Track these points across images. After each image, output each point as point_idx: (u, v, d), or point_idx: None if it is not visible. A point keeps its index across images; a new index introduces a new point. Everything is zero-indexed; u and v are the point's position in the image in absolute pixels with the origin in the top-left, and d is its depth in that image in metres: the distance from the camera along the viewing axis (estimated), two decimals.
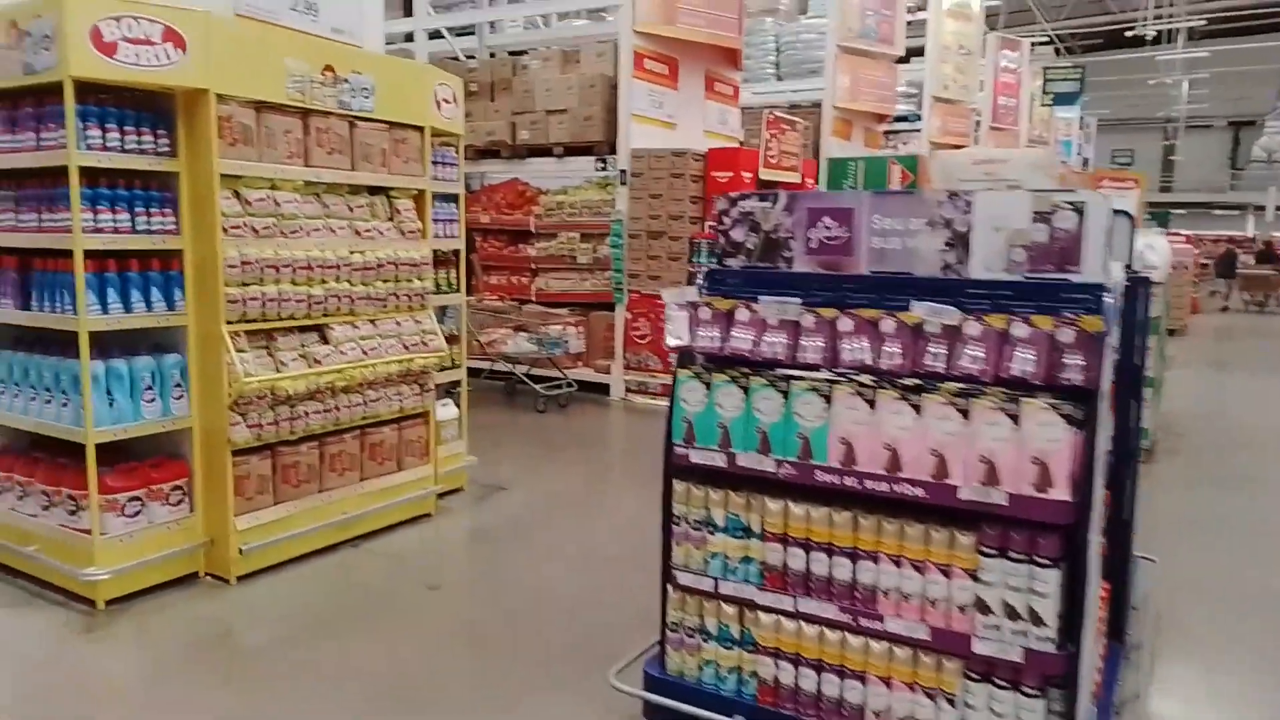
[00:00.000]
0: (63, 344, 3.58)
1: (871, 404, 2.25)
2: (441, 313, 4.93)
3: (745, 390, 2.40)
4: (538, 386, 7.58)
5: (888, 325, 2.26)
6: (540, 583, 3.96)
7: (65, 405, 3.58)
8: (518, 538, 4.54)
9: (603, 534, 4.62)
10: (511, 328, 8.03)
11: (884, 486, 2.24)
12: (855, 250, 2.47)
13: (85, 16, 3.26)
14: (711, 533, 2.49)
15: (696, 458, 2.49)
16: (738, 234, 2.64)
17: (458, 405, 5.22)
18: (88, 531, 3.53)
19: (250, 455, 3.89)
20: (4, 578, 3.82)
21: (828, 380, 2.33)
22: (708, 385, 2.46)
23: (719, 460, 2.45)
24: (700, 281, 2.67)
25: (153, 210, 3.66)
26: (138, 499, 3.66)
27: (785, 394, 2.35)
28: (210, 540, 3.86)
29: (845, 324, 2.30)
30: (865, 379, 2.31)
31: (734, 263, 2.65)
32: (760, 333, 2.42)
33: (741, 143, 9.14)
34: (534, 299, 8.83)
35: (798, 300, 2.37)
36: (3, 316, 3.74)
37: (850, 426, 2.27)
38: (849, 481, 2.28)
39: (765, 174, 8.14)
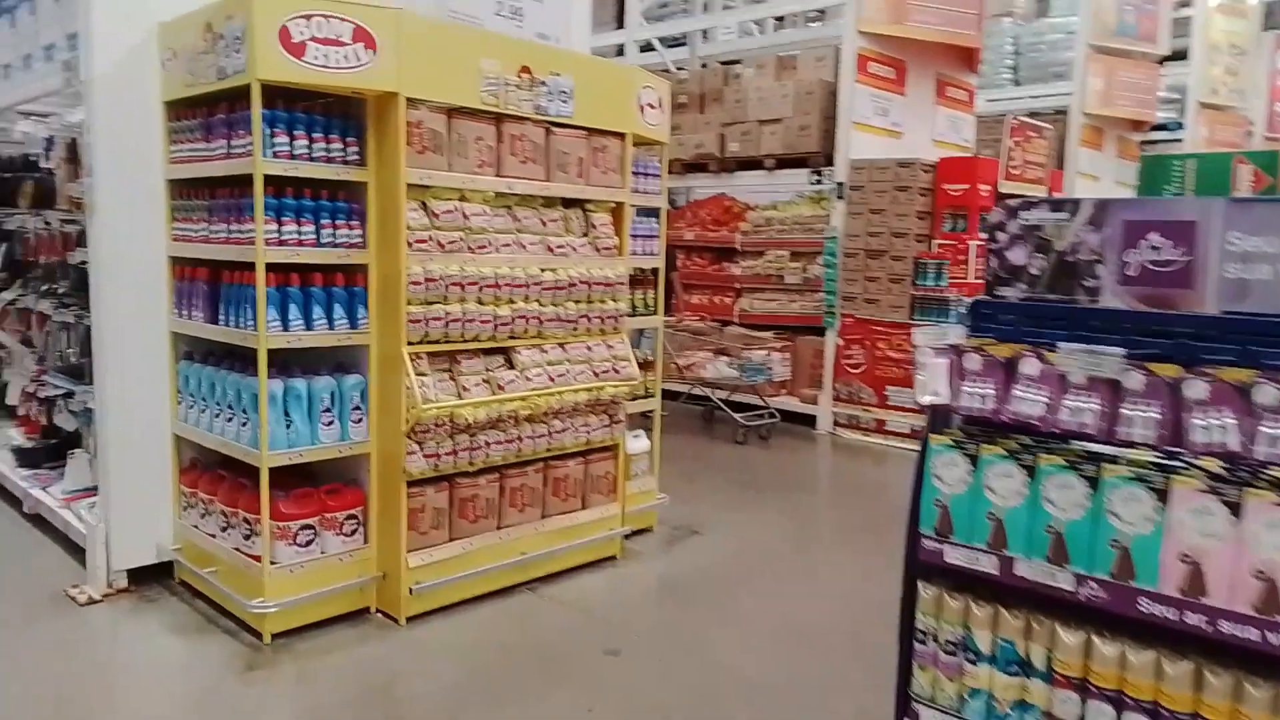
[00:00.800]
0: (246, 361, 3.43)
1: (1235, 509, 1.53)
2: (637, 336, 4.49)
3: (1031, 471, 1.74)
4: (737, 416, 7.03)
5: (1267, 395, 1.53)
6: (734, 660, 3.39)
7: (245, 425, 3.42)
8: (710, 597, 3.99)
9: (810, 603, 3.98)
10: (712, 351, 7.54)
11: (1252, 633, 1.51)
12: (1198, 280, 1.74)
13: (274, 16, 3.07)
14: (972, 661, 1.83)
15: (954, 557, 1.84)
16: (1017, 254, 1.97)
17: (650, 437, 4.76)
18: (259, 559, 3.34)
19: (426, 487, 3.59)
20: (188, 598, 3.73)
21: (1161, 466, 1.62)
22: (973, 460, 1.81)
23: (987, 565, 1.79)
24: (960, 318, 2.02)
25: (339, 222, 3.45)
26: (311, 528, 3.44)
27: (1093, 482, 1.66)
28: (383, 575, 3.59)
29: (1195, 389, 1.59)
30: (1221, 470, 1.58)
31: (1010, 292, 1.98)
32: (1058, 393, 1.75)
33: (974, 154, 8.19)
34: (736, 320, 8.29)
35: (1120, 351, 1.68)
36: (193, 329, 3.66)
37: (1199, 539, 1.56)
38: (1193, 619, 1.56)
39: (1006, 186, 7.19)
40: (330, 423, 3.47)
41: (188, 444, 3.81)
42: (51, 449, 4.96)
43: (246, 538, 3.46)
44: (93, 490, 4.07)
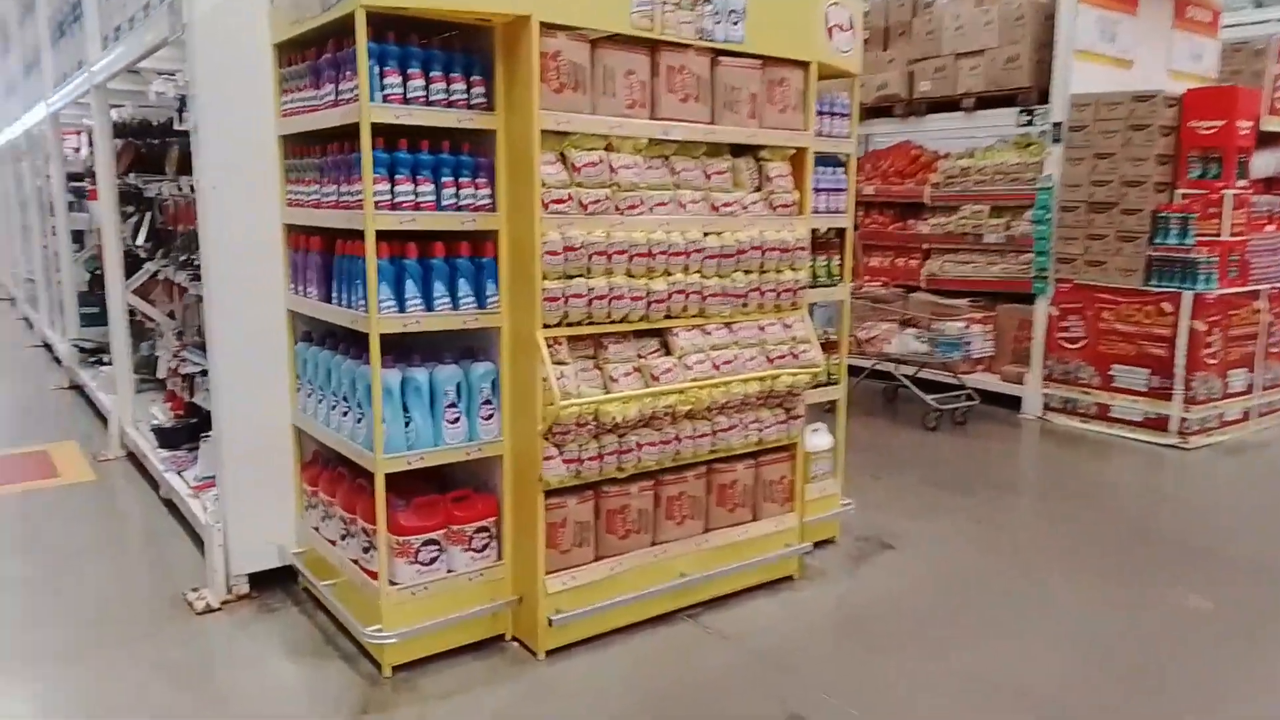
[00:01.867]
0: (362, 345, 2.93)
1: None
2: (810, 310, 3.72)
3: None
4: (928, 397, 6.11)
5: None
6: None
7: (360, 421, 2.93)
8: (908, 640, 3.21)
9: (1037, 655, 3.14)
10: (896, 321, 6.62)
11: None
12: None
13: None
14: None
15: None
16: None
17: (833, 431, 4.00)
18: (377, 576, 2.85)
19: (567, 496, 3.00)
20: (310, 609, 3.33)
21: None
22: None
23: None
24: None
25: (463, 180, 2.86)
26: (435, 543, 2.92)
27: None
28: (518, 599, 3.04)
29: None
30: None
31: None
32: None
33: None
34: (923, 285, 7.31)
35: None
36: (307, 308, 3.20)
37: None
38: None
39: (1269, 124, 5.86)
40: (456, 419, 2.92)
41: (308, 436, 3.37)
42: (190, 429, 4.73)
43: (365, 550, 2.98)
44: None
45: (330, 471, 3.28)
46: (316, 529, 3.33)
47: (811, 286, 3.67)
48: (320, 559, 3.27)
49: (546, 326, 2.84)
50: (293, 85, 3.13)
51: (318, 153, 3.05)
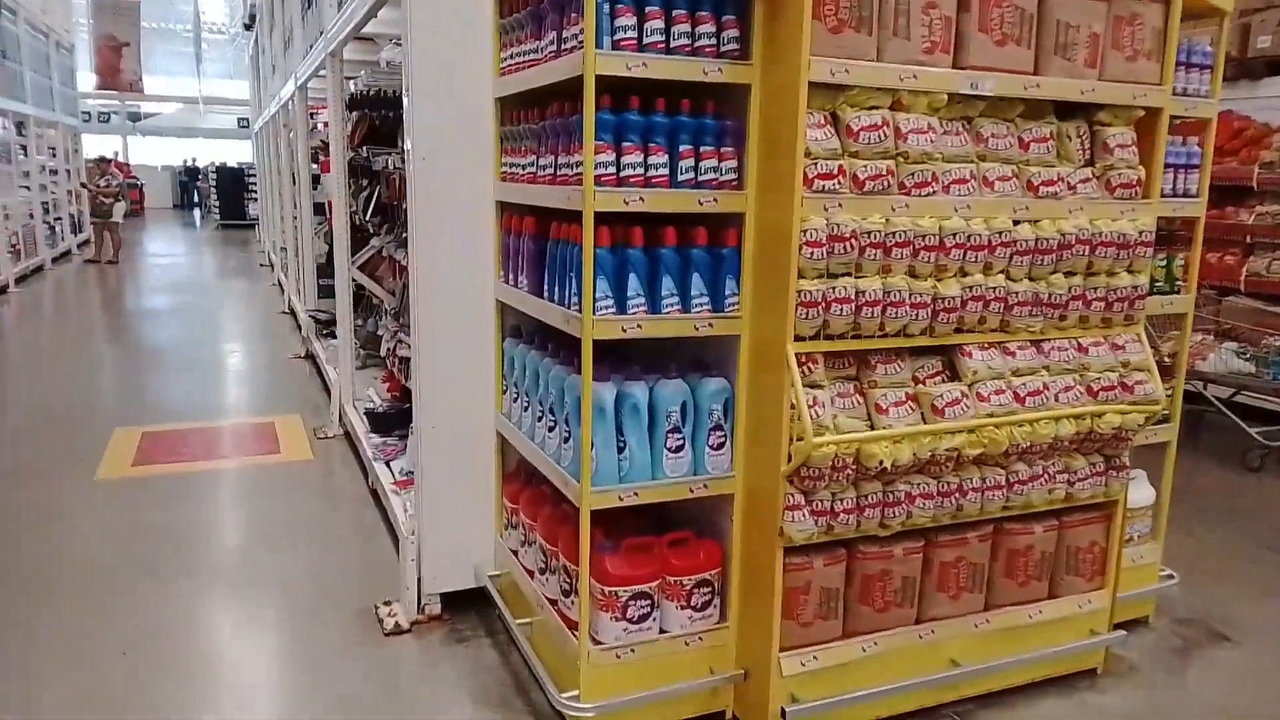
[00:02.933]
0: (573, 349, 2.43)
1: None
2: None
3: None
4: (1252, 429, 4.90)
5: None
6: None
7: (567, 441, 2.43)
8: None
9: None
10: (1210, 331, 5.39)
11: None
12: None
13: None
14: None
15: None
16: None
17: (1157, 481, 3.09)
18: (577, 628, 2.35)
19: (813, 556, 2.36)
20: (503, 643, 2.91)
21: None
22: None
23: None
24: None
25: (705, 149, 2.27)
26: (647, 596, 2.39)
27: None
28: (744, 673, 2.45)
29: None
30: None
31: None
32: None
33: None
34: (1242, 288, 5.95)
35: None
36: (515, 300, 2.74)
37: None
38: None
39: None
40: (679, 447, 2.36)
41: (512, 445, 2.94)
42: (403, 414, 4.50)
43: (565, 593, 2.50)
44: None
45: (533, 490, 2.83)
46: (515, 553, 2.90)
47: (1151, 292, 2.78)
48: (517, 588, 2.84)
49: (799, 339, 2.20)
50: (512, 37, 2.67)
51: (535, 116, 2.57)
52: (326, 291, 7.39)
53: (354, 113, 5.90)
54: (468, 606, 3.10)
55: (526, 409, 2.72)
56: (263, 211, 16.72)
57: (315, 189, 7.29)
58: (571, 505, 2.39)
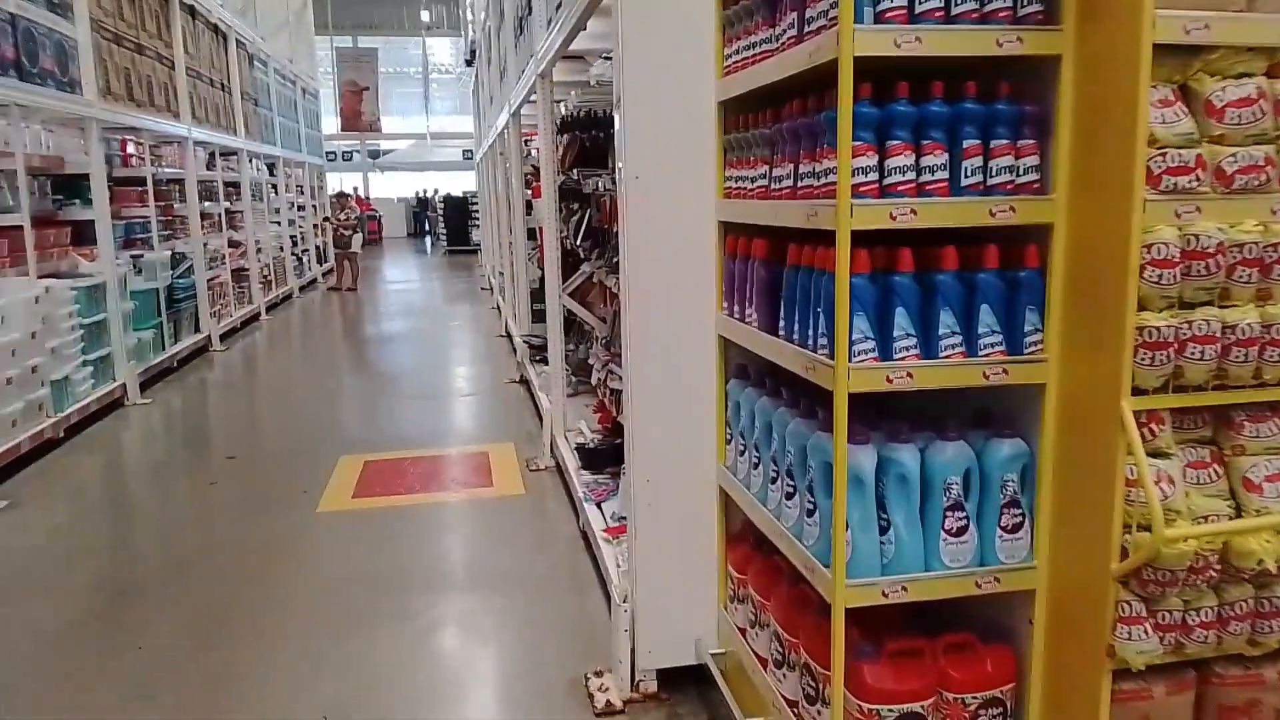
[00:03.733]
0: (817, 398, 1.98)
1: None
2: None
3: None
4: None
5: None
6: None
7: (811, 515, 1.97)
8: None
9: None
10: None
11: None
12: None
13: None
14: None
15: None
16: None
17: None
18: None
19: (1153, 681, 1.75)
20: None
21: None
22: None
23: None
24: None
25: (996, 144, 1.75)
26: (919, 718, 1.87)
27: None
28: None
29: None
30: None
31: None
32: None
33: None
34: None
35: None
36: (742, 336, 2.31)
37: None
38: None
39: None
40: (961, 528, 1.83)
41: (736, 503, 2.52)
42: (615, 451, 4.21)
43: (810, 699, 2.03)
44: None
45: (765, 559, 2.39)
46: (743, 632, 2.46)
47: None
48: (744, 674, 2.40)
49: (1139, 391, 1.62)
50: (739, 29, 2.26)
51: (768, 119, 2.15)
52: (539, 316, 7.34)
53: (564, 135, 5.75)
54: (687, 684, 2.70)
55: (756, 466, 2.29)
56: (484, 237, 17.44)
57: (528, 214, 7.26)
58: (818, 592, 1.93)
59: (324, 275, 16.13)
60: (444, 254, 22.36)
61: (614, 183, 4.11)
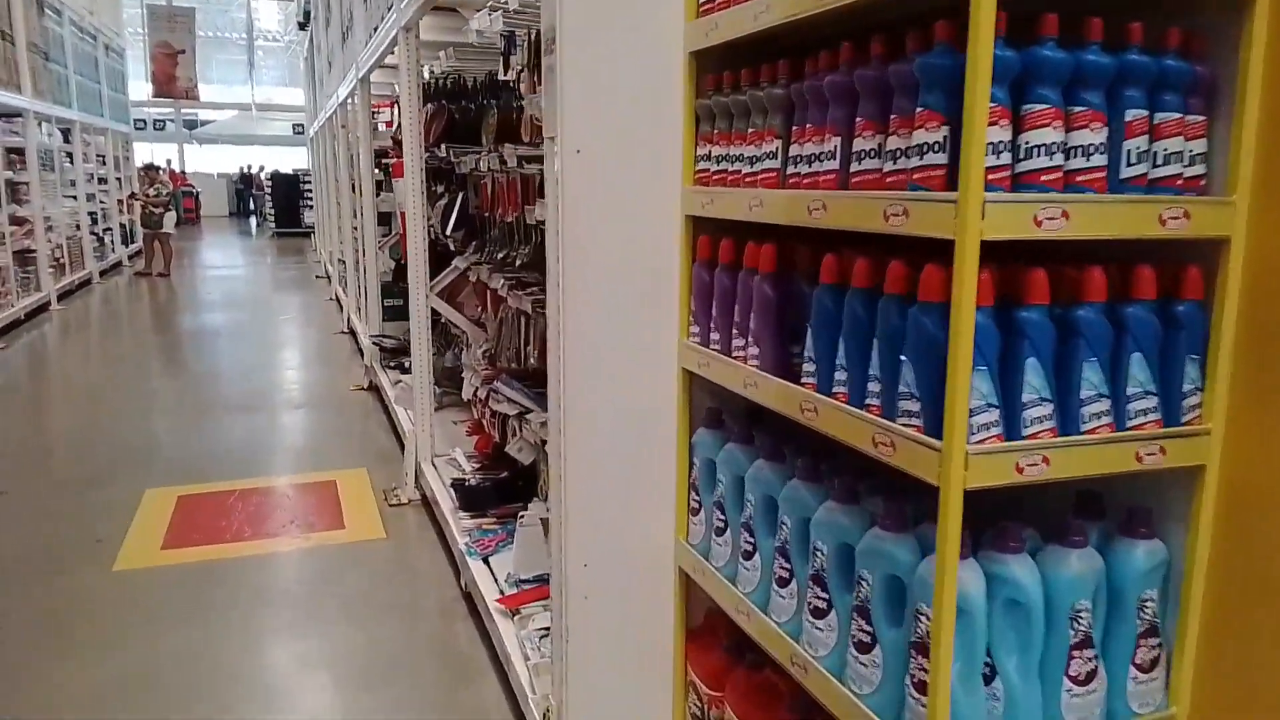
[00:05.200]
0: (857, 474, 1.37)
1: None
2: None
3: None
4: None
5: None
6: None
7: (866, 647, 1.36)
8: None
9: None
10: None
11: None
12: None
13: None
14: None
15: None
16: None
17: None
18: None
19: None
20: None
21: None
22: None
23: None
24: None
25: (1162, 120, 1.19)
26: None
27: None
28: None
29: None
30: None
31: None
32: None
33: None
34: None
35: None
36: (725, 375, 1.67)
37: None
38: None
39: None
40: (1089, 673, 1.28)
41: (702, 590, 1.88)
42: (499, 489, 3.52)
43: None
44: (547, 584, 2.45)
45: (749, 672, 1.77)
46: None
47: None
48: None
49: None
50: None
51: (779, 73, 1.52)
52: (392, 314, 6.47)
53: (428, 105, 4.94)
54: None
55: (749, 556, 1.66)
56: (318, 220, 16.03)
57: (378, 196, 6.35)
58: None
59: (130, 258, 14.31)
60: (272, 236, 20.57)
61: (504, 164, 3.39)
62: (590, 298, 1.82)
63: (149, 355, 8.12)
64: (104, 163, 13.61)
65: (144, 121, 23.08)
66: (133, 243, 14.63)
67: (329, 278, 11.78)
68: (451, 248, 4.31)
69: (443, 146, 4.34)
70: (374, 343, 6.18)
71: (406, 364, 5.59)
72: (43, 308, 9.56)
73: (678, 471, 1.92)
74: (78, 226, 11.61)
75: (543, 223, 2.83)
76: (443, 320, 4.71)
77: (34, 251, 9.54)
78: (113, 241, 13.62)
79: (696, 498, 1.88)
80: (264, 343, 8.63)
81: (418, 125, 3.92)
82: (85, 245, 11.80)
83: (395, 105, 7.32)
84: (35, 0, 10.21)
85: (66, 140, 11.66)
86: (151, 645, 2.91)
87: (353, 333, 8.08)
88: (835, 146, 1.36)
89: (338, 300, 10.03)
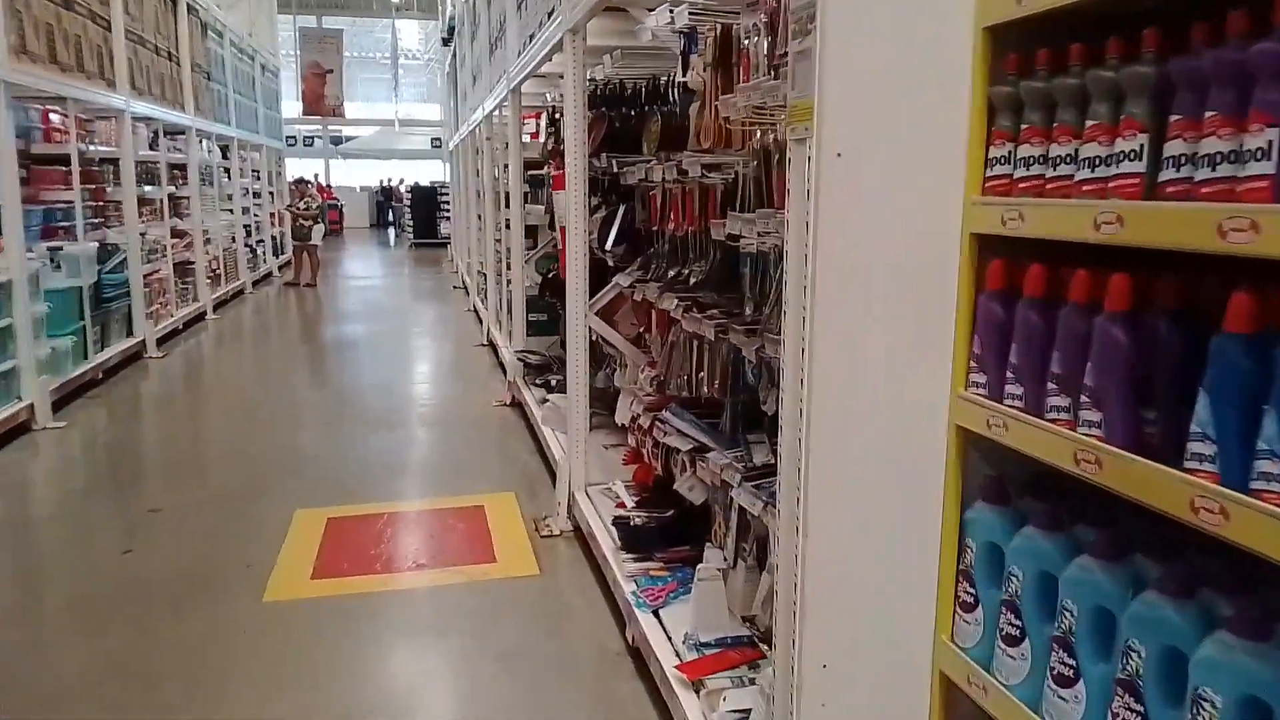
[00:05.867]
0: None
1: None
2: None
3: None
4: None
5: None
6: None
7: None
8: None
9: None
10: None
11: None
12: None
13: None
14: None
15: None
16: None
17: None
18: None
19: None
20: None
21: None
22: None
23: None
24: None
25: None
26: None
27: None
28: None
29: None
30: None
31: None
32: None
33: None
34: None
35: None
36: (1026, 441, 1.27)
37: None
38: None
39: None
40: None
41: (969, 700, 1.49)
42: (666, 530, 3.19)
43: None
44: (738, 646, 2.12)
45: None
46: None
47: None
48: None
49: None
50: None
51: (1151, 45, 1.12)
52: (537, 329, 6.30)
53: (589, 112, 4.70)
54: None
55: (1069, 682, 1.26)
56: (455, 231, 16.29)
57: (526, 208, 6.19)
58: None
59: (280, 269, 14.85)
60: (410, 247, 21.10)
61: (681, 174, 3.08)
62: (844, 335, 1.46)
63: (296, 366, 8.25)
64: (258, 178, 14.17)
65: (294, 138, 24.16)
66: (282, 254, 15.19)
67: (465, 288, 11.85)
68: (610, 263, 4.04)
69: (603, 156, 4.08)
70: (518, 358, 6.00)
71: (553, 381, 5.37)
72: (199, 317, 9.91)
73: (943, 555, 1.54)
74: (233, 239, 12.07)
75: (737, 237, 2.50)
76: (594, 338, 4.45)
77: (192, 263, 9.91)
78: (264, 253, 14.15)
79: (970, 590, 1.49)
80: (405, 354, 8.65)
81: (582, 134, 3.66)
82: (239, 256, 12.26)
83: (540, 117, 7.18)
84: (200, 23, 10.67)
85: (225, 156, 12.15)
86: (302, 694, 2.71)
87: (492, 345, 7.98)
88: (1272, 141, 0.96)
89: (476, 312, 10.02)
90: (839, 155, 1.40)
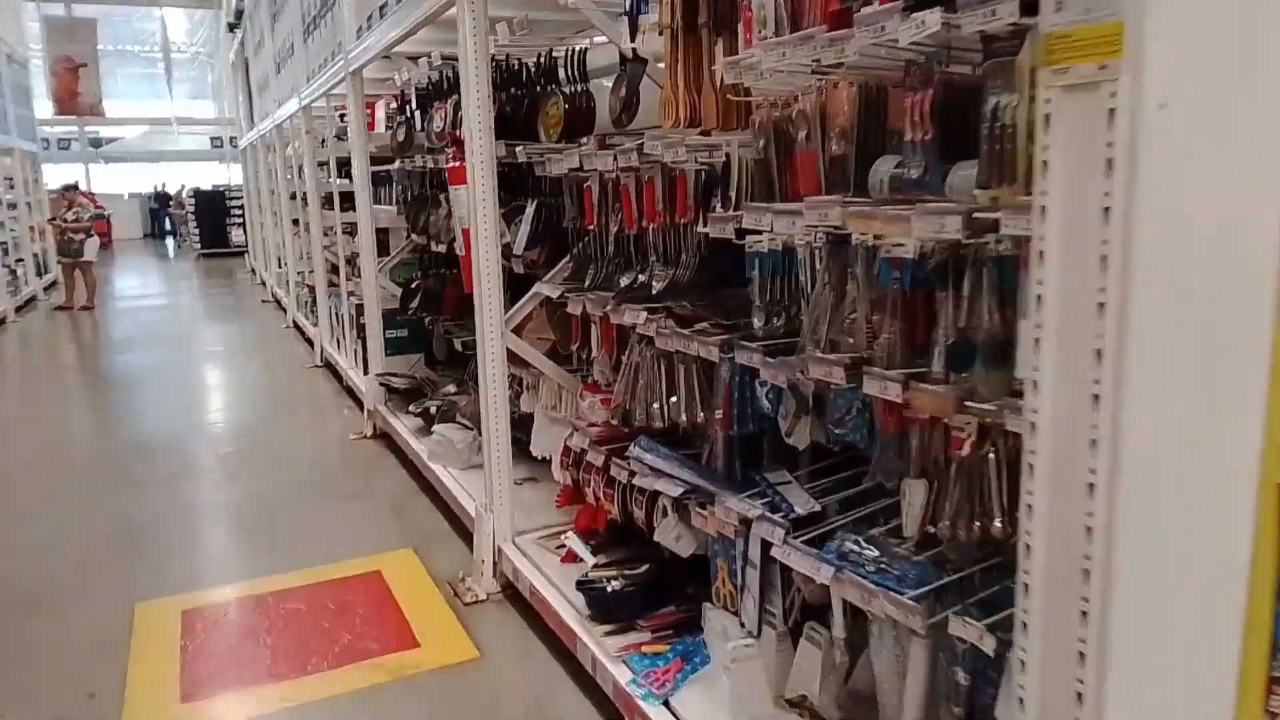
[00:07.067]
0: None
1: None
2: None
3: None
4: None
5: None
6: None
7: None
8: None
9: None
10: None
11: None
12: None
13: None
14: None
15: None
16: None
17: None
18: None
19: None
20: None
21: None
22: None
23: None
24: None
25: None
26: None
27: None
28: None
29: None
30: None
31: None
32: None
33: None
34: None
35: None
36: None
37: None
38: None
39: None
40: None
41: None
42: (648, 590, 2.65)
43: None
44: None
45: None
46: None
47: None
48: None
49: None
50: None
51: None
52: (397, 346, 5.53)
53: (453, 97, 4.04)
54: None
55: None
56: (252, 239, 14.75)
57: (373, 209, 5.38)
58: None
59: (47, 290, 12.84)
60: (197, 258, 19.05)
61: (619, 161, 2.52)
62: (1158, 373, 0.99)
63: (86, 410, 6.93)
64: (12, 186, 12.13)
65: (46, 141, 21.20)
66: (47, 273, 13.15)
67: (278, 302, 10.64)
68: (517, 270, 3.41)
69: (500, 144, 3.44)
70: (380, 383, 5.21)
71: (432, 409, 4.65)
72: None
73: (1246, 650, 1.11)
74: None
75: (744, 235, 2.01)
76: (468, 350, 3.80)
77: None
78: (25, 274, 12.16)
79: None
80: (226, 384, 7.52)
81: (489, 116, 3.02)
82: None
83: (375, 108, 6.34)
84: None
85: None
86: None
87: (330, 367, 7.06)
88: None
89: (298, 329, 8.95)
90: (1162, 106, 0.93)
